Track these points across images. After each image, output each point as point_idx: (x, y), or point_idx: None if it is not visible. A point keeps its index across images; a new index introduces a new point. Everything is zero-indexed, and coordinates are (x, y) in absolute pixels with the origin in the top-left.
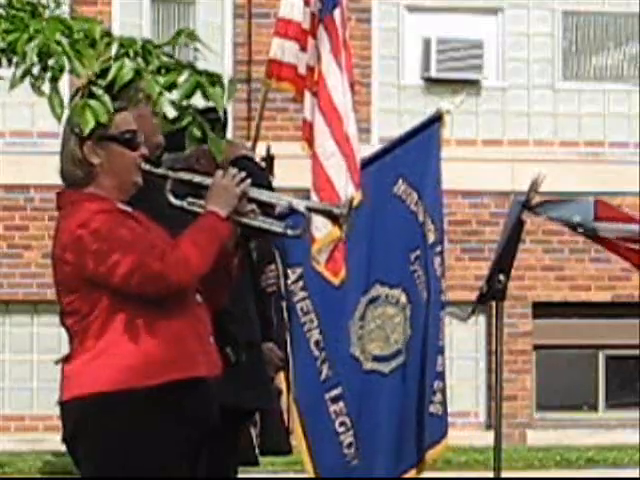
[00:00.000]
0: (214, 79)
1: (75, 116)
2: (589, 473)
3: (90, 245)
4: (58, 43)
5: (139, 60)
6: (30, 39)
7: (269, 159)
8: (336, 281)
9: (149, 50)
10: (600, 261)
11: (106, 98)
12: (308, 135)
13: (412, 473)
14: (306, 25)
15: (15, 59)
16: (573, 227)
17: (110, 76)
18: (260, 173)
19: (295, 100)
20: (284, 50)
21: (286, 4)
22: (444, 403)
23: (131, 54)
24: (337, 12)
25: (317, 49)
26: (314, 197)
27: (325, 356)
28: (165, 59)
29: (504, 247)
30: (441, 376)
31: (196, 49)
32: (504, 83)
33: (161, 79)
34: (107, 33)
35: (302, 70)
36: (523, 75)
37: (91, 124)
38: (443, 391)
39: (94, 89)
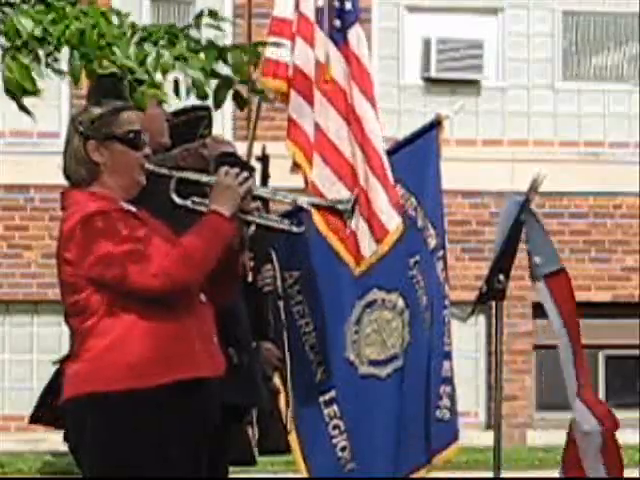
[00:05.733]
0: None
1: (142, 104)
2: None
3: (93, 245)
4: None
5: (162, 45)
6: (82, 31)
7: (265, 159)
8: (357, 270)
9: (175, 34)
10: (600, 261)
11: (158, 78)
12: (293, 134)
13: (415, 475)
14: (294, 27)
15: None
16: (529, 259)
17: (150, 60)
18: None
19: (276, 99)
20: (278, 49)
21: (279, 3)
22: (452, 408)
23: (155, 41)
24: (353, 31)
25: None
26: (379, 189)
27: (320, 359)
28: (189, 43)
29: (504, 247)
30: (448, 381)
31: (218, 27)
32: (504, 83)
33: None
34: (132, 24)
35: (290, 70)
36: (523, 75)
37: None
38: (451, 396)
39: (138, 76)
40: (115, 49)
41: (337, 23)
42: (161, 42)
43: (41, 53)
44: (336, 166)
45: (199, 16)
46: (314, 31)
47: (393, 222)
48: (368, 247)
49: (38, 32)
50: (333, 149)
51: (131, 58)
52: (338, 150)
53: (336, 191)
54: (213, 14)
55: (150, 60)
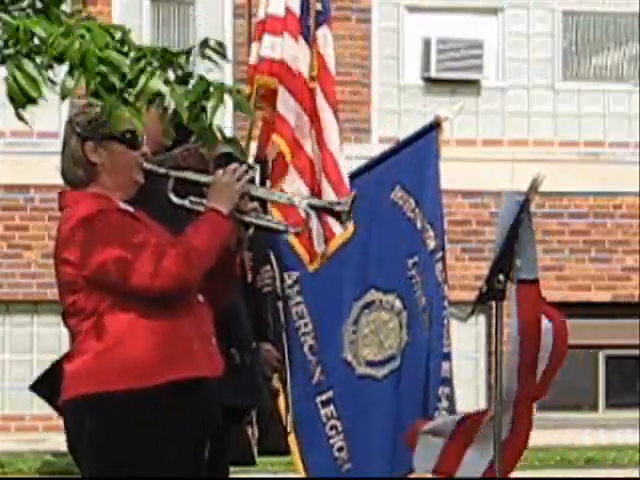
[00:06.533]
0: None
1: (116, 124)
2: (589, 473)
3: (92, 245)
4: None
5: (155, 65)
6: (85, 51)
7: (263, 159)
8: (310, 267)
9: (170, 60)
10: (600, 261)
11: (140, 106)
12: (280, 128)
13: (412, 476)
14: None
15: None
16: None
17: (139, 86)
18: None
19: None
20: (274, 47)
21: (273, 1)
22: (451, 409)
23: (149, 62)
24: (321, 32)
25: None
26: (330, 192)
27: (318, 360)
28: (180, 68)
29: (504, 247)
30: (447, 382)
31: (210, 59)
32: (504, 83)
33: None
34: (129, 42)
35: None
36: (523, 75)
37: (141, 127)
38: (449, 397)
39: (125, 96)
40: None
41: (309, 22)
42: (154, 64)
43: (41, 61)
44: (297, 162)
45: (203, 44)
46: (301, 28)
47: (341, 226)
48: (321, 247)
49: (49, 41)
50: (296, 146)
51: (126, 78)
52: (301, 147)
53: (296, 188)
54: (219, 45)
55: (140, 84)
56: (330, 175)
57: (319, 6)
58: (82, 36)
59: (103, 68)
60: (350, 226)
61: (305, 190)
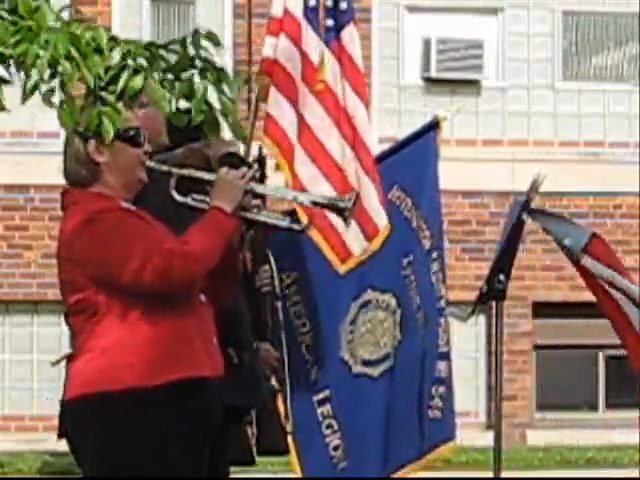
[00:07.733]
0: (220, 76)
1: (91, 124)
2: (589, 473)
3: (96, 244)
4: (67, 56)
5: (143, 62)
6: (39, 54)
7: (261, 160)
8: (342, 269)
9: (153, 53)
10: None
11: (120, 105)
12: (271, 130)
13: (403, 472)
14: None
15: (23, 70)
16: (561, 247)
17: (120, 85)
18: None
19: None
20: (272, 48)
21: (276, 3)
22: (446, 409)
23: (134, 58)
24: (346, 31)
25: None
26: (372, 191)
27: (315, 359)
28: (169, 58)
29: (504, 247)
30: (442, 381)
31: (206, 49)
32: (504, 83)
33: (170, 85)
34: (112, 37)
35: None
36: (523, 75)
37: (111, 132)
38: (444, 396)
39: (105, 95)
40: (87, 67)
41: (329, 22)
42: (139, 60)
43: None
44: (324, 166)
45: (194, 34)
46: (300, 29)
47: (383, 221)
48: (359, 246)
49: (6, 52)
50: (320, 148)
51: (102, 78)
52: (325, 150)
53: (320, 191)
54: (212, 36)
55: (121, 83)
56: (368, 169)
57: (344, 5)
58: (47, 41)
59: (72, 71)
60: (388, 224)
61: (331, 193)
